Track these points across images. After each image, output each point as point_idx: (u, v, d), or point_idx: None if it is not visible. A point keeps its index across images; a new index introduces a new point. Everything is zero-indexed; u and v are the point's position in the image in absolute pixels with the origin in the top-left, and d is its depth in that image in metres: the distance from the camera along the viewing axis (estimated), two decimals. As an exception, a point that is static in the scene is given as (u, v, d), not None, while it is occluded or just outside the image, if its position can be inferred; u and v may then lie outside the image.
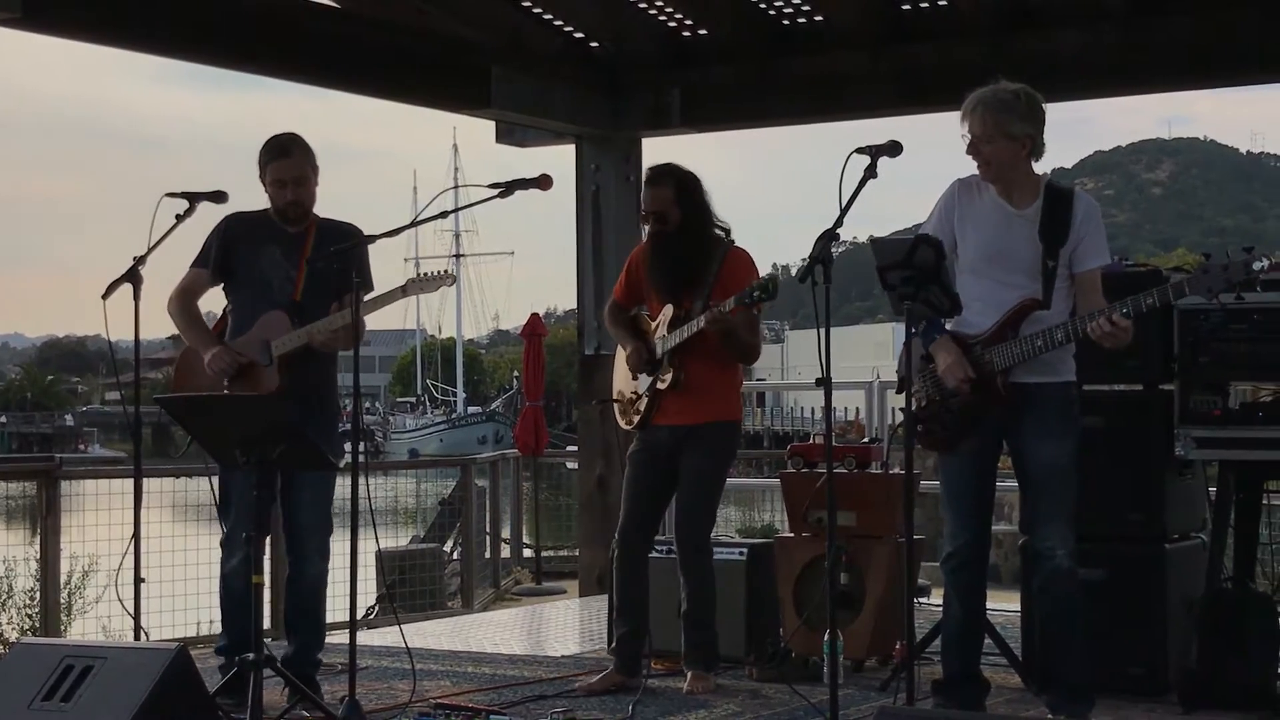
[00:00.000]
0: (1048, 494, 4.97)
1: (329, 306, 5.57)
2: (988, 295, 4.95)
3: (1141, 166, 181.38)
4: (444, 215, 5.87)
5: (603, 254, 8.86)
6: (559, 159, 9.10)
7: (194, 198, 5.57)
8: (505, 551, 13.69)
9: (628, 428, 6.16)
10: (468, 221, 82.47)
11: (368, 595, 10.59)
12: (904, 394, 4.78)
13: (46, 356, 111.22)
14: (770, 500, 16.69)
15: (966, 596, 5.12)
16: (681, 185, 5.94)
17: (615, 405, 6.24)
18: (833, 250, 4.52)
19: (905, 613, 4.90)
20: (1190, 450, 5.51)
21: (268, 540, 5.54)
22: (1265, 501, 5.80)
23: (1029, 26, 7.81)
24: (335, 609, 6.24)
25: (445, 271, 5.75)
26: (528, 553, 14.23)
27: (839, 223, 4.50)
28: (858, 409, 8.93)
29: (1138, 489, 5.74)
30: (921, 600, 7.23)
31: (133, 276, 5.49)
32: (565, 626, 8.01)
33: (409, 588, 11.19)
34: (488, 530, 12.97)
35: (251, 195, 5.78)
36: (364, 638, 6.81)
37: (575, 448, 10.19)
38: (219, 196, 5.65)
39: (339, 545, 5.56)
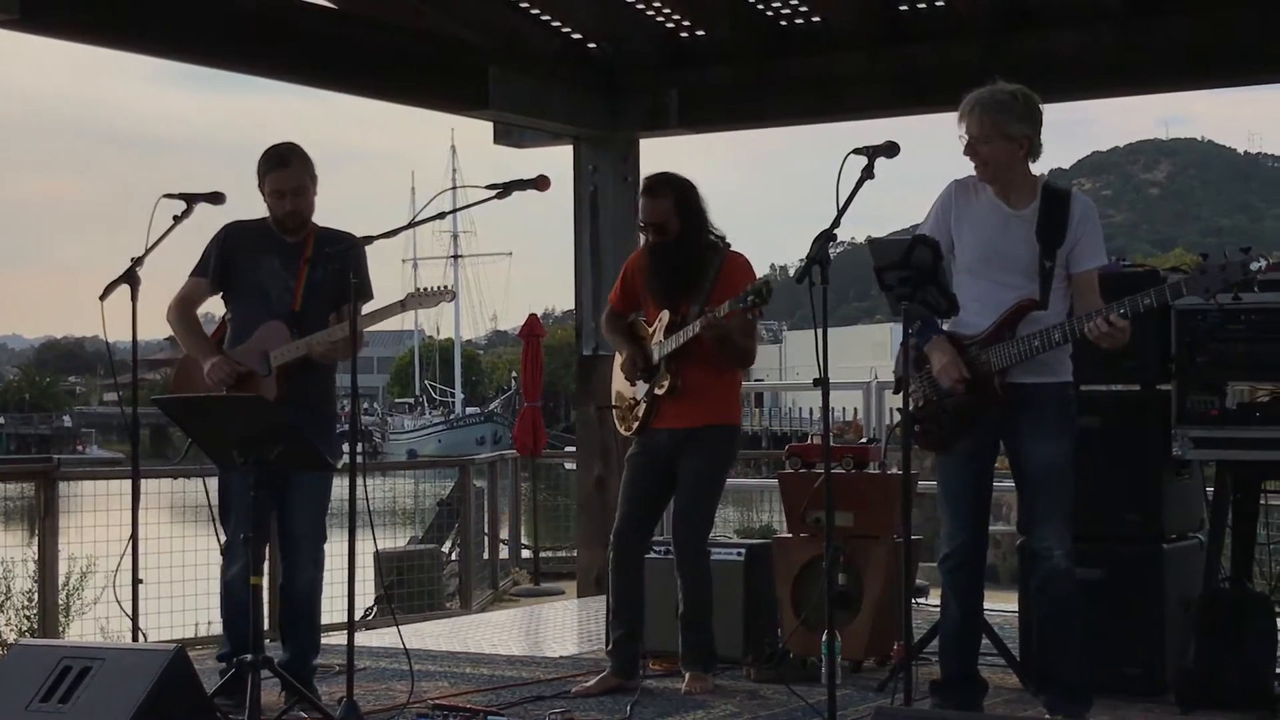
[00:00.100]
0: (1045, 494, 4.97)
1: (328, 316, 5.58)
2: (985, 296, 4.96)
3: (1139, 167, 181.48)
4: (442, 216, 5.88)
5: (600, 255, 8.87)
6: (557, 160, 9.09)
7: (191, 199, 5.57)
8: (503, 552, 13.67)
9: (626, 433, 6.15)
10: (466, 222, 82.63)
11: (366, 596, 10.57)
12: (901, 394, 4.78)
13: (44, 357, 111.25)
14: (768, 501, 16.68)
15: (964, 597, 5.12)
16: (680, 195, 5.93)
17: (614, 411, 6.24)
18: (830, 251, 4.52)
19: (903, 613, 4.90)
20: (1187, 450, 5.51)
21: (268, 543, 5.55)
22: (1263, 501, 5.80)
23: (1027, 27, 7.81)
24: (333, 610, 6.24)
25: (445, 287, 5.75)
26: (526, 553, 14.21)
27: (836, 223, 4.50)
28: (855, 409, 8.94)
29: (1135, 489, 5.74)
30: (919, 600, 7.23)
31: (130, 278, 5.48)
32: (563, 627, 8.00)
33: (407, 589, 11.18)
34: (486, 531, 12.96)
35: (248, 195, 5.79)
36: (362, 639, 6.80)
37: (573, 448, 10.18)
38: (216, 198, 5.65)
39: (337, 546, 5.57)
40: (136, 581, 5.50)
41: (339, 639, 5.71)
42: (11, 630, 9.39)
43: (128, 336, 5.54)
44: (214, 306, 5.90)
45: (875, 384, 8.95)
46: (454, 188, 5.82)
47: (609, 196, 8.90)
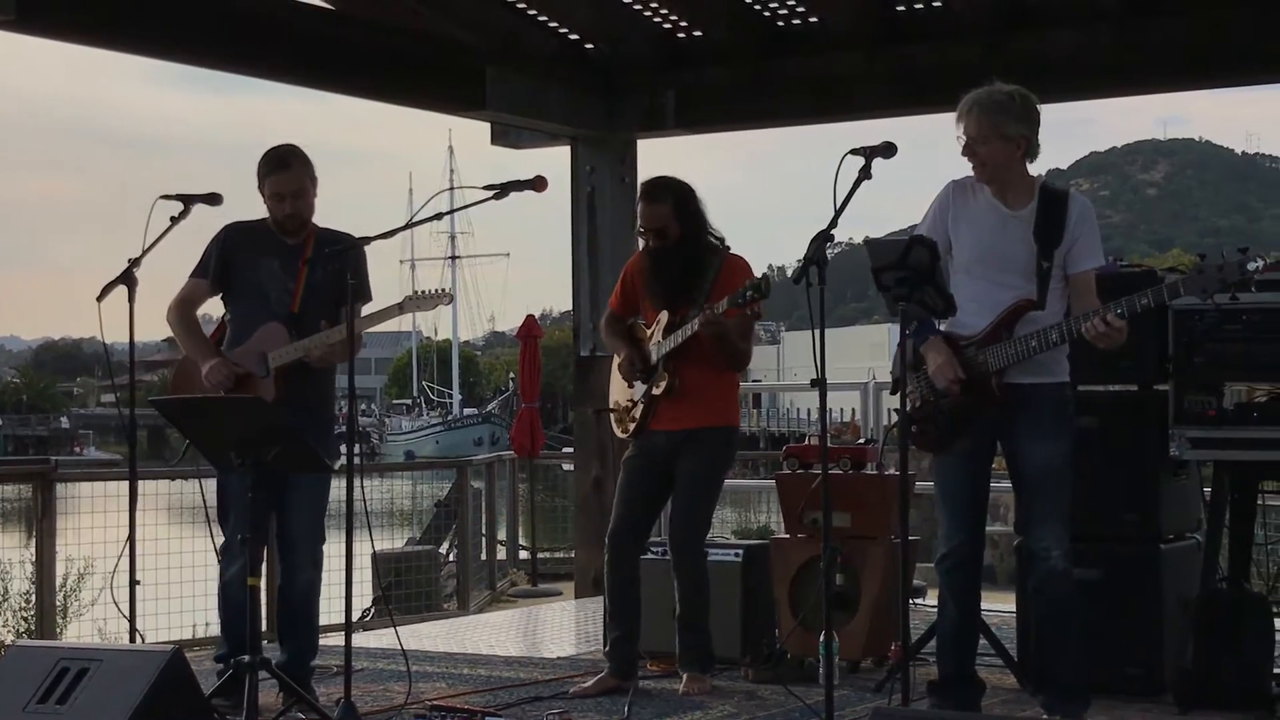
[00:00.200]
0: (1042, 494, 4.97)
1: (326, 318, 5.58)
2: (982, 296, 4.95)
3: (1137, 167, 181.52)
4: (439, 217, 5.89)
5: (598, 255, 8.87)
6: (554, 160, 9.09)
7: (189, 200, 5.57)
8: (501, 553, 13.67)
9: (624, 436, 6.14)
10: (463, 223, 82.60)
11: (363, 597, 10.56)
12: (899, 395, 4.78)
13: (42, 359, 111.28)
14: (766, 501, 16.69)
15: (961, 597, 5.12)
16: (679, 199, 5.93)
17: (611, 414, 6.23)
18: (827, 251, 4.52)
19: (900, 613, 4.90)
20: (1185, 451, 5.51)
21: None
22: (1260, 502, 5.81)
23: (1024, 27, 7.82)
24: (331, 611, 6.22)
25: (443, 290, 5.75)
26: (523, 554, 14.21)
27: (834, 224, 4.50)
28: (853, 410, 8.95)
29: (1133, 489, 5.74)
30: (917, 601, 7.22)
31: (128, 279, 5.47)
32: (561, 628, 8.00)
33: (405, 589, 11.18)
34: (483, 532, 12.96)
35: (247, 195, 5.79)
36: (359, 640, 6.81)
37: (571, 449, 10.19)
38: (214, 199, 5.65)
39: (335, 547, 5.56)
40: (134, 583, 5.49)
41: (337, 640, 5.70)
42: (9, 631, 9.39)
43: (125, 338, 5.54)
44: (213, 307, 5.90)
45: (873, 385, 8.95)
46: (451, 188, 5.83)
47: (606, 197, 8.91)
